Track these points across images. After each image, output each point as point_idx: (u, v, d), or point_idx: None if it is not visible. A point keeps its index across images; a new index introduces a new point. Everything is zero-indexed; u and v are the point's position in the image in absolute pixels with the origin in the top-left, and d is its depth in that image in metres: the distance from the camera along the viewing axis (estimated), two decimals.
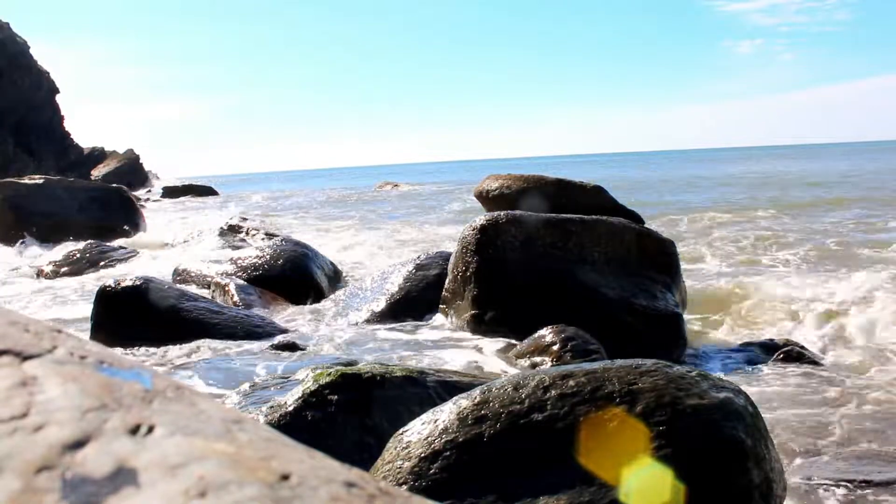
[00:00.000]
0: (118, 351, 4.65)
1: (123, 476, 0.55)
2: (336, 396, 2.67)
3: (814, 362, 4.24)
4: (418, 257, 6.19)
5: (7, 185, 12.51)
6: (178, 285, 6.28)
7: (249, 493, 0.54)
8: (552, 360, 4.22)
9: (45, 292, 7.39)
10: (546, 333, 4.42)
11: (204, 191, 28.27)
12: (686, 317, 5.24)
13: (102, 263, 8.92)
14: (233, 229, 11.61)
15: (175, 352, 4.76)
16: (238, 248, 9.44)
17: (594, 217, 5.42)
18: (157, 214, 18.71)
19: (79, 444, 0.57)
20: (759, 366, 4.26)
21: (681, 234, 10.29)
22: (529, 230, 5.16)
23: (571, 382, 2.28)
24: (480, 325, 4.99)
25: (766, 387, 3.86)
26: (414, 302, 5.67)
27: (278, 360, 4.23)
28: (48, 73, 51.35)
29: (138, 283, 5.26)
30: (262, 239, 10.15)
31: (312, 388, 2.69)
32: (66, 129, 53.38)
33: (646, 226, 6.31)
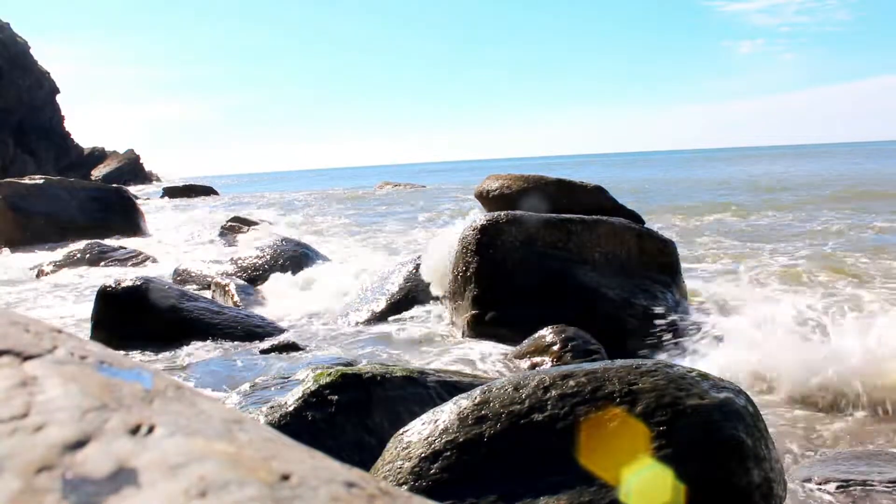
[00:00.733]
0: (118, 351, 4.65)
1: (124, 476, 0.55)
2: (336, 396, 2.67)
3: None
4: (418, 257, 6.19)
5: (7, 185, 12.51)
6: (178, 285, 6.28)
7: (250, 493, 0.54)
8: (552, 361, 4.22)
9: (45, 292, 7.39)
10: (546, 333, 4.42)
11: (204, 191, 28.26)
12: None
13: (102, 263, 8.92)
14: (233, 229, 11.61)
15: (175, 352, 4.76)
16: (238, 247, 9.44)
17: (594, 217, 5.42)
18: (157, 214, 18.71)
19: (79, 445, 0.57)
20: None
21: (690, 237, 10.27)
22: (530, 230, 5.16)
23: (572, 382, 2.28)
24: (481, 325, 4.99)
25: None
26: (414, 302, 5.67)
27: (278, 360, 4.23)
28: (48, 74, 51.40)
29: (139, 283, 5.26)
30: (262, 239, 10.14)
31: (313, 389, 2.69)
32: (67, 129, 53.42)
33: (646, 226, 6.31)
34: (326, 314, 5.86)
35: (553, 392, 2.27)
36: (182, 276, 7.35)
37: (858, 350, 3.94)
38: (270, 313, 5.87)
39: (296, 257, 7.56)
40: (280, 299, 6.51)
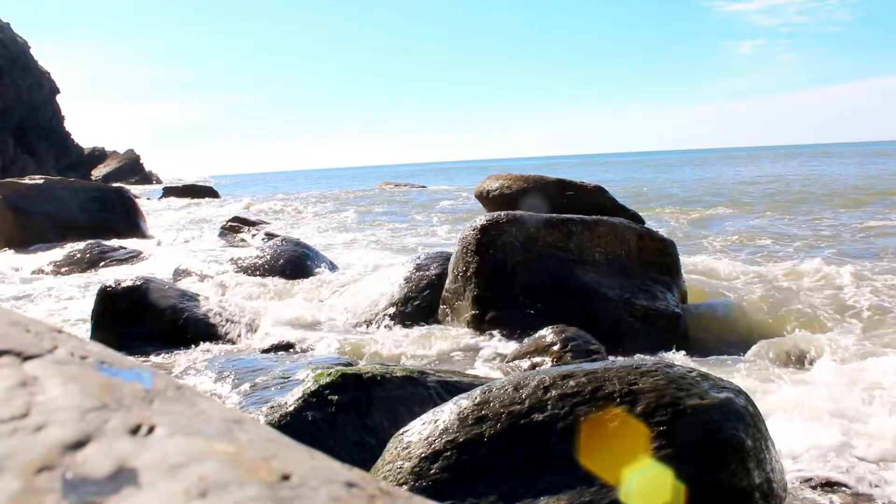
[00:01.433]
0: (118, 351, 4.65)
1: (124, 476, 0.55)
2: (336, 396, 2.67)
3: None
4: (418, 257, 6.19)
5: (7, 185, 12.51)
6: (179, 285, 6.28)
7: (250, 493, 0.54)
8: (553, 361, 4.21)
9: (45, 292, 7.39)
10: (546, 333, 4.42)
11: (204, 192, 28.24)
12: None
13: (103, 263, 8.92)
14: (233, 229, 11.61)
15: (175, 351, 4.76)
16: (238, 248, 9.45)
17: (595, 217, 5.42)
18: (157, 214, 18.71)
19: (79, 445, 0.57)
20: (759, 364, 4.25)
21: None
22: (530, 230, 5.16)
23: (572, 382, 2.28)
24: (481, 325, 4.98)
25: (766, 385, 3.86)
26: (414, 301, 5.67)
27: (279, 361, 4.23)
28: (48, 74, 51.41)
29: (139, 283, 5.26)
30: (262, 239, 10.15)
31: (313, 389, 2.69)
32: (67, 129, 53.43)
33: (646, 226, 6.31)
34: (326, 314, 5.86)
35: (553, 392, 2.27)
36: (182, 276, 7.35)
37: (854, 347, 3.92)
38: (271, 313, 5.87)
39: (295, 257, 7.56)
40: (281, 299, 6.51)
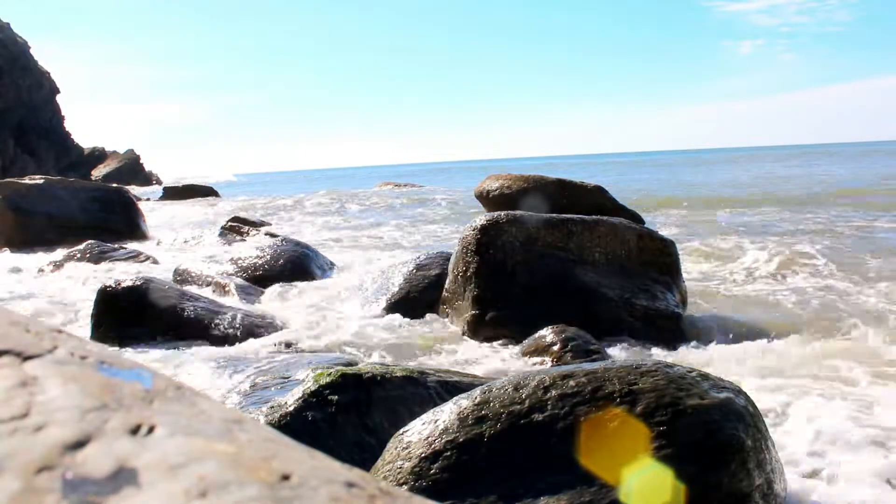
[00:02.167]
0: (118, 351, 4.65)
1: (124, 476, 0.55)
2: (336, 396, 2.67)
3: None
4: (418, 257, 6.19)
5: (7, 185, 12.51)
6: (178, 285, 6.28)
7: (250, 493, 0.54)
8: (553, 361, 4.22)
9: (45, 292, 7.39)
10: (546, 333, 4.42)
11: (205, 192, 28.21)
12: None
13: (103, 263, 8.92)
14: (233, 229, 11.62)
15: (175, 351, 4.76)
16: (238, 248, 9.45)
17: (595, 217, 5.42)
18: (157, 215, 18.71)
19: (79, 445, 0.57)
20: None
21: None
22: (530, 230, 5.16)
23: (572, 382, 2.28)
24: (481, 326, 4.98)
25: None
26: (414, 302, 5.67)
27: (278, 360, 4.23)
28: (48, 74, 51.41)
29: (139, 282, 5.26)
30: (262, 239, 10.15)
31: (313, 389, 2.69)
32: (67, 129, 53.42)
33: (646, 226, 6.31)
34: (326, 314, 5.86)
35: (553, 392, 2.27)
36: (182, 276, 7.34)
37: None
38: (270, 313, 5.87)
39: (296, 257, 7.56)
40: (280, 299, 6.51)
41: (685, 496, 2.05)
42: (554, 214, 5.48)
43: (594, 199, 9.78)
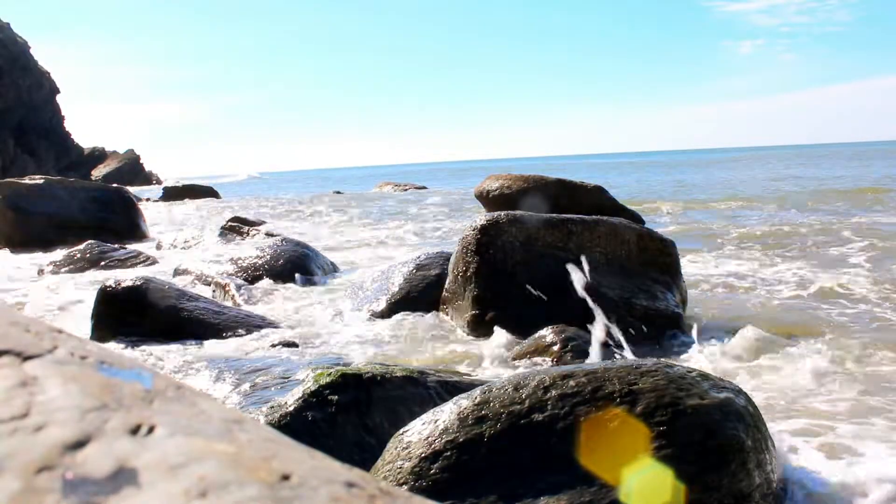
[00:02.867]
0: (118, 351, 4.65)
1: (124, 476, 0.55)
2: (336, 396, 2.67)
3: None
4: (418, 257, 6.19)
5: (7, 185, 12.51)
6: (179, 285, 6.28)
7: (250, 493, 0.54)
8: (553, 361, 4.22)
9: (45, 292, 7.39)
10: (546, 333, 4.42)
11: (205, 193, 28.19)
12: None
13: (103, 263, 8.92)
14: (233, 229, 11.62)
15: (175, 352, 4.76)
16: (238, 248, 9.45)
17: (595, 217, 5.42)
18: (157, 215, 18.72)
19: (79, 445, 0.57)
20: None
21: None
22: (530, 230, 5.16)
23: (572, 382, 2.28)
24: (481, 325, 4.99)
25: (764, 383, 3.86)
26: (414, 302, 5.67)
27: (279, 361, 4.23)
28: (48, 74, 51.43)
29: (139, 282, 5.26)
30: (262, 239, 10.15)
31: (313, 389, 2.69)
32: (67, 129, 53.44)
33: (646, 226, 6.31)
34: (327, 314, 5.86)
35: (553, 392, 2.27)
36: (182, 276, 7.34)
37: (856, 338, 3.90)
38: (270, 313, 5.87)
39: (296, 257, 7.56)
40: (281, 299, 6.52)
41: (685, 496, 2.05)
42: (554, 214, 5.48)
43: (594, 199, 9.78)
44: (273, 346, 4.77)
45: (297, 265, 7.41)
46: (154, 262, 9.20)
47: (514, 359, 4.40)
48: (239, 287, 6.57)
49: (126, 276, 5.57)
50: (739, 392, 2.40)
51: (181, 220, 17.07)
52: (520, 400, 2.26)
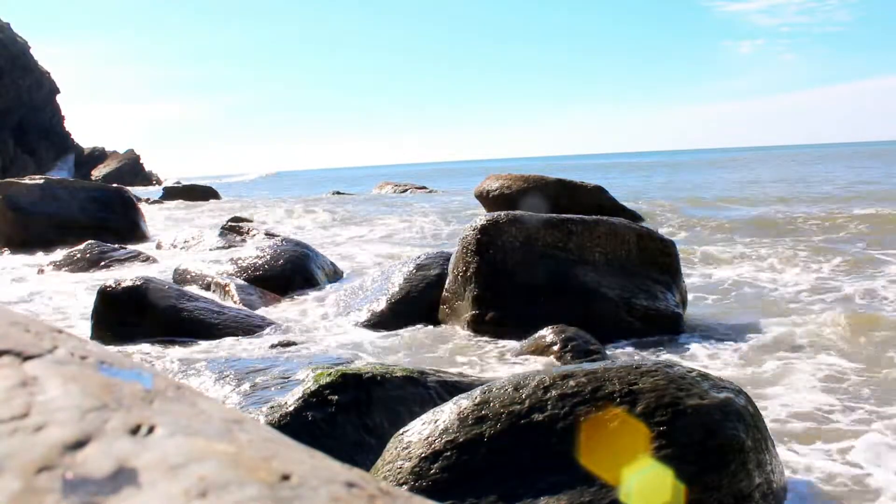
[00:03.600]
0: (118, 351, 4.65)
1: (124, 476, 0.55)
2: (336, 396, 2.67)
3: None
4: (418, 257, 6.19)
5: (7, 185, 12.51)
6: (179, 285, 6.28)
7: (250, 493, 0.54)
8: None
9: (45, 292, 7.39)
10: (546, 333, 4.42)
11: (205, 193, 28.13)
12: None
13: (102, 263, 8.92)
14: (233, 229, 11.62)
15: (175, 352, 4.76)
16: (238, 248, 9.45)
17: (595, 217, 5.42)
18: (157, 215, 18.72)
19: (79, 445, 0.57)
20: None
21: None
22: (530, 230, 5.16)
23: (572, 382, 2.28)
24: (481, 326, 4.99)
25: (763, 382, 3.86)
26: (414, 302, 5.67)
27: (279, 361, 4.23)
28: (49, 74, 51.42)
29: (139, 283, 5.26)
30: (263, 239, 10.15)
31: (313, 389, 2.69)
32: (67, 129, 53.44)
33: (646, 226, 6.32)
34: (326, 314, 5.86)
35: (553, 392, 2.27)
36: (182, 276, 7.34)
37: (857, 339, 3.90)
38: (270, 313, 5.87)
39: (296, 257, 7.56)
40: (280, 299, 6.52)
41: (685, 496, 2.05)
42: (554, 214, 5.48)
43: (594, 199, 9.79)
44: (273, 346, 4.77)
45: (297, 265, 7.41)
46: (154, 261, 9.20)
47: (515, 359, 4.40)
48: (239, 287, 6.57)
49: (126, 277, 5.57)
50: (739, 392, 2.40)
51: (181, 220, 17.07)
52: (520, 400, 2.26)
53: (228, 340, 4.96)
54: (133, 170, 55.33)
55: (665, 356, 4.47)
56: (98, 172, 51.14)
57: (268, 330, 5.28)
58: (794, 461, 2.88)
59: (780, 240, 9.56)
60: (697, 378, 2.34)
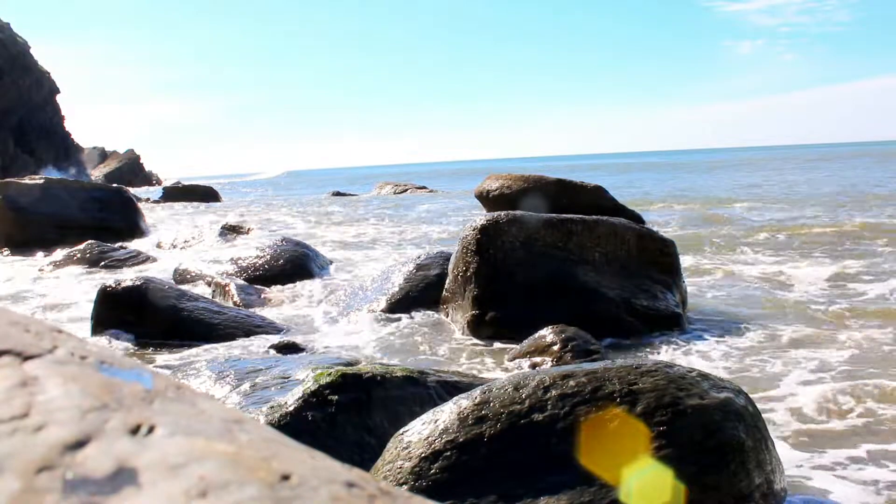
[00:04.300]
0: (118, 351, 4.65)
1: (124, 476, 0.55)
2: (336, 396, 2.67)
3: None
4: (418, 257, 6.19)
5: (7, 185, 12.51)
6: (179, 285, 6.28)
7: (250, 493, 0.54)
8: (552, 361, 4.21)
9: (45, 292, 7.39)
10: (546, 333, 4.42)
11: (205, 193, 28.07)
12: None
13: (103, 263, 8.92)
14: (233, 229, 11.62)
15: (175, 352, 4.76)
16: (238, 248, 9.45)
17: (595, 217, 5.42)
18: (157, 215, 18.72)
19: (79, 445, 0.57)
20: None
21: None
22: (530, 230, 5.16)
23: (572, 382, 2.28)
24: (481, 325, 4.99)
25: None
26: (414, 302, 5.67)
27: (279, 361, 4.23)
28: (49, 74, 51.42)
29: (139, 283, 5.26)
30: (262, 239, 10.14)
31: (313, 389, 2.69)
32: (67, 128, 53.46)
33: (646, 226, 6.31)
34: (326, 314, 5.86)
35: (553, 392, 2.26)
36: (182, 276, 7.34)
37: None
38: (270, 313, 5.87)
39: (296, 257, 7.56)
40: (280, 299, 6.51)
41: (685, 496, 2.05)
42: (554, 214, 5.48)
43: (594, 199, 9.78)
44: (273, 346, 4.77)
45: (297, 265, 7.41)
46: (154, 261, 9.20)
47: (514, 359, 4.40)
48: (239, 287, 6.57)
49: (126, 276, 5.57)
50: (739, 392, 2.40)
51: (181, 220, 17.07)
52: (520, 400, 2.26)
53: (228, 340, 4.96)
54: (133, 170, 55.34)
55: (665, 356, 4.47)
56: (98, 172, 51.14)
57: (267, 330, 5.28)
58: (795, 461, 2.88)
59: (780, 240, 9.56)
60: (697, 378, 2.34)
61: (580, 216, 5.39)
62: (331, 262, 8.13)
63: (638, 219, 9.33)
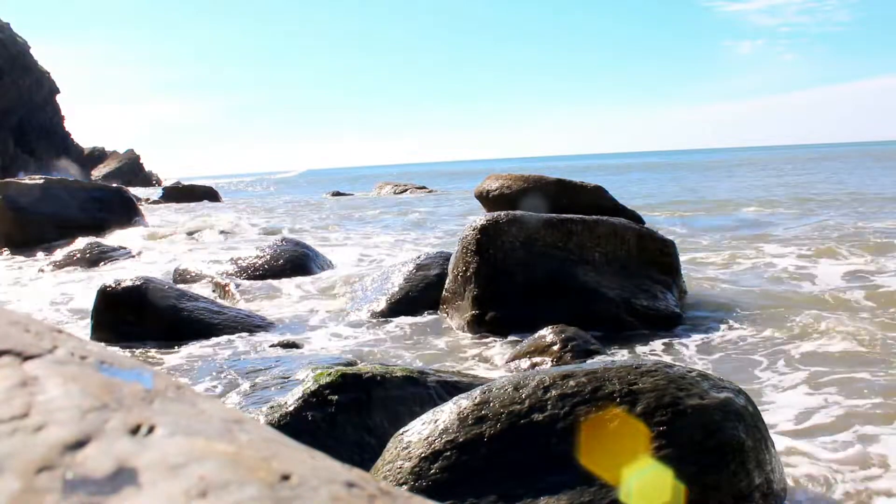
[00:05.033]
0: (118, 351, 4.65)
1: (124, 476, 0.55)
2: (336, 396, 2.67)
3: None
4: (418, 257, 6.19)
5: (7, 185, 12.51)
6: (179, 285, 6.28)
7: (250, 493, 0.54)
8: (553, 361, 4.21)
9: (44, 292, 7.39)
10: (546, 333, 4.42)
11: (206, 194, 28.05)
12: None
13: (102, 263, 8.92)
14: (233, 230, 11.62)
15: (175, 352, 4.76)
16: (238, 248, 9.45)
17: (595, 217, 5.42)
18: (157, 215, 18.73)
19: (79, 445, 0.57)
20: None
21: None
22: (530, 230, 5.16)
23: (572, 382, 2.28)
24: (481, 326, 4.99)
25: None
26: (414, 302, 5.67)
27: (278, 361, 4.23)
28: (49, 74, 51.43)
29: (139, 282, 5.26)
30: (262, 239, 10.15)
31: (313, 388, 2.69)
32: (67, 128, 53.47)
33: (646, 226, 6.31)
34: (326, 314, 5.86)
35: (553, 392, 2.27)
36: (182, 276, 7.34)
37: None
38: (270, 313, 5.87)
39: (296, 257, 7.56)
40: (280, 299, 6.52)
41: (685, 496, 2.05)
42: (554, 214, 5.48)
43: (594, 199, 9.78)
44: (273, 346, 4.77)
45: (296, 265, 7.42)
46: (154, 261, 9.20)
47: (514, 359, 4.40)
48: (239, 287, 6.57)
49: (126, 276, 5.57)
50: (739, 392, 2.40)
51: (181, 221, 17.07)
52: (520, 400, 2.26)
53: (228, 340, 4.96)
54: (133, 170, 55.32)
55: (665, 356, 4.47)
56: (98, 172, 51.13)
57: (267, 330, 5.28)
58: (795, 461, 2.88)
59: (780, 241, 9.56)
60: (697, 378, 2.34)
61: (580, 216, 5.39)
62: (331, 262, 8.13)
63: (638, 219, 9.33)
